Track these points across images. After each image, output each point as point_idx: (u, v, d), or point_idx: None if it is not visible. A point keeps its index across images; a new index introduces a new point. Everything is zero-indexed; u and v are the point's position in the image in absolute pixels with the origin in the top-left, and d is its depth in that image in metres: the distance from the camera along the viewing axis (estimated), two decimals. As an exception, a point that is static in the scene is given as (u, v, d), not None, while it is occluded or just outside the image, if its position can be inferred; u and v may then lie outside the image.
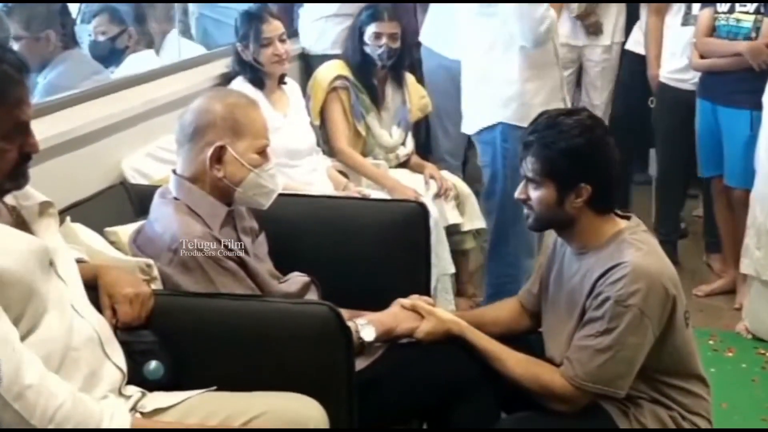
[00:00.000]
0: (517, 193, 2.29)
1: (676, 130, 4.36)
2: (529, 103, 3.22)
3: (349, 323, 2.18)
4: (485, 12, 3.23)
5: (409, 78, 4.04)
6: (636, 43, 4.89)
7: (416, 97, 4.06)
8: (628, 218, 2.30)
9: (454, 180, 3.97)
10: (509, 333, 2.42)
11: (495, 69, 3.29)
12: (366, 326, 2.28)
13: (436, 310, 2.38)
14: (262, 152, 2.30)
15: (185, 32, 4.52)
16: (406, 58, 3.97)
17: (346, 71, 3.82)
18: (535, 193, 2.23)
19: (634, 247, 2.18)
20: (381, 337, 2.31)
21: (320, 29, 4.37)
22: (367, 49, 3.80)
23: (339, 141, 3.78)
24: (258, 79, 3.51)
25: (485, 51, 3.30)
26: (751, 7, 3.92)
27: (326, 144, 3.84)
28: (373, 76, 3.87)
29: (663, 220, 4.68)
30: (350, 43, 3.88)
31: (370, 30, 3.79)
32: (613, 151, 2.24)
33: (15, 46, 3.30)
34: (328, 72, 3.85)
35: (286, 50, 3.54)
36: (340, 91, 3.80)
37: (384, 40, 3.79)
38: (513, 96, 3.27)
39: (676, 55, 4.42)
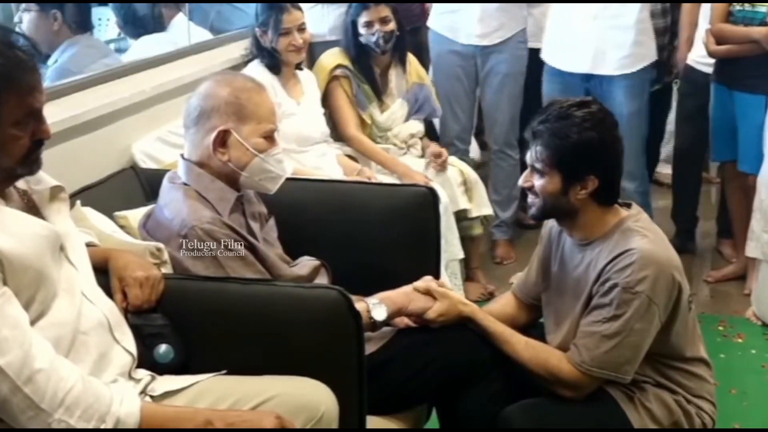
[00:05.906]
0: (521, 181, 2.29)
1: (698, 114, 4.30)
2: None
3: (361, 303, 2.19)
4: None
5: (411, 60, 4.01)
6: None
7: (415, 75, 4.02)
8: (628, 206, 2.30)
9: (462, 166, 3.96)
10: (511, 327, 2.42)
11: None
12: (377, 305, 2.28)
13: (449, 292, 2.38)
14: (269, 137, 2.29)
15: (203, 16, 4.49)
16: (406, 38, 3.94)
17: (346, 61, 3.81)
18: (539, 182, 2.23)
19: (640, 234, 2.19)
20: (393, 316, 2.31)
21: (317, 15, 4.34)
22: (363, 39, 3.79)
23: (349, 127, 3.78)
24: (275, 65, 3.53)
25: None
26: (767, -8, 3.88)
27: (333, 131, 3.82)
28: (374, 64, 3.86)
29: (680, 208, 4.63)
30: (346, 37, 3.86)
31: (362, 20, 3.78)
32: (621, 145, 2.25)
33: (25, 17, 3.31)
34: (329, 60, 3.83)
35: (304, 40, 3.55)
36: (341, 80, 3.78)
37: (376, 27, 3.77)
38: None
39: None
